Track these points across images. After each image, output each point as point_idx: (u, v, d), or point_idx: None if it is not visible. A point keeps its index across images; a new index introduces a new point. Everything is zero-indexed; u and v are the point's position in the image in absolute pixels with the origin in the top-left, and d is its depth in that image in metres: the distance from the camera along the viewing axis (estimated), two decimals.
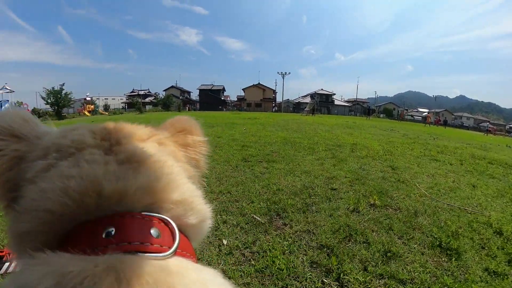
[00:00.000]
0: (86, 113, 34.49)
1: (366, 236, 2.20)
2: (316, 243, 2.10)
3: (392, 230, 2.33)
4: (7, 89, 33.11)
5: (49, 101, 30.79)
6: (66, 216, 0.31)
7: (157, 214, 0.33)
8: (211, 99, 61.80)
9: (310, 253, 1.97)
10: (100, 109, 44.96)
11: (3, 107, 31.43)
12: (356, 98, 75.50)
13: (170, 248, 0.31)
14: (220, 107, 58.20)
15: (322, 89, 65.08)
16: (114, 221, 0.31)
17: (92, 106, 39.15)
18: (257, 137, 7.18)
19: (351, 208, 2.70)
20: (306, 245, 2.06)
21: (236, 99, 73.38)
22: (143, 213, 0.33)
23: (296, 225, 2.32)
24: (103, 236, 0.30)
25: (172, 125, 0.53)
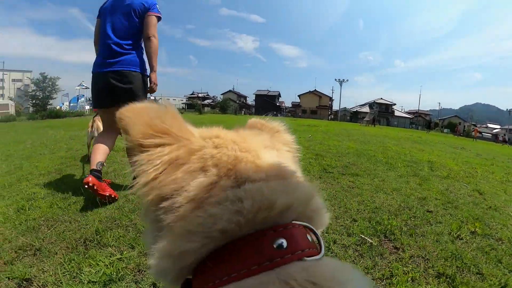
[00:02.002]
0: None
1: (479, 268, 2.05)
2: (434, 270, 2.00)
3: (501, 263, 2.16)
4: (84, 85, 37.61)
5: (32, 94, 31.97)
6: (234, 233, 0.33)
7: (303, 223, 0.36)
8: (266, 104, 62.53)
9: (432, 282, 1.88)
10: None
11: (79, 100, 35.84)
12: (418, 110, 70.14)
13: (320, 250, 0.35)
14: (275, 112, 58.52)
15: (381, 98, 61.89)
16: (282, 233, 0.34)
17: None
18: (327, 146, 7.05)
19: (454, 234, 2.55)
20: (425, 272, 1.97)
21: (290, 105, 73.14)
22: (296, 222, 0.36)
23: (408, 250, 2.23)
24: (274, 247, 0.32)
25: (264, 125, 0.57)
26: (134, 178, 0.41)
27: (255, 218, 0.34)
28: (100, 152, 2.88)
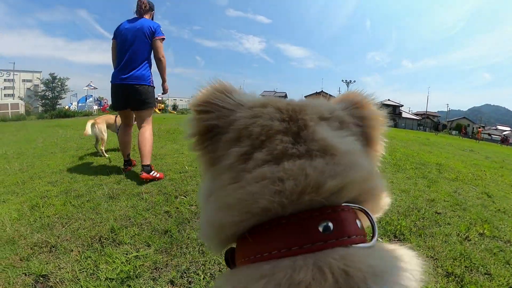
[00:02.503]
0: (157, 110, 37.49)
1: (487, 268, 2.07)
2: (442, 269, 2.01)
3: (510, 264, 2.17)
4: (92, 86, 38.21)
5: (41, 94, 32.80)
6: (278, 211, 0.32)
7: (358, 206, 0.35)
8: None
9: (441, 281, 1.90)
10: (169, 108, 48.49)
11: (87, 100, 36.33)
12: (426, 111, 69.35)
13: (372, 237, 0.33)
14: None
15: (389, 100, 61.40)
16: (330, 216, 0.32)
17: (162, 105, 42.43)
18: None
19: (462, 235, 2.56)
20: (434, 272, 1.99)
21: None
22: (347, 204, 0.34)
23: (418, 250, 2.23)
24: (320, 230, 0.31)
25: (347, 97, 0.52)
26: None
27: (299, 199, 0.32)
28: (128, 147, 4.03)
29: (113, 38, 3.50)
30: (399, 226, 2.58)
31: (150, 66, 3.54)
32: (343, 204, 0.34)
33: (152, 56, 3.55)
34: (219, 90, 0.46)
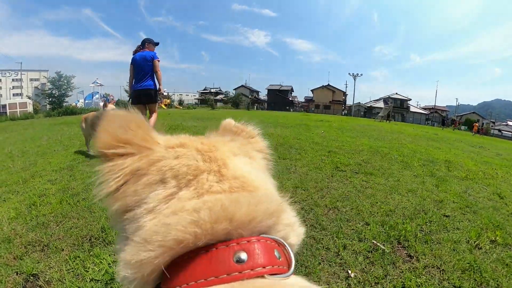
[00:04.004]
0: (163, 106, 37.77)
1: (498, 282, 1.91)
2: (449, 283, 1.86)
3: None
4: (98, 83, 38.60)
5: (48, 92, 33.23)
6: (191, 244, 0.32)
7: (274, 237, 0.35)
8: (279, 99, 62.15)
9: None
10: (175, 103, 48.79)
11: (94, 97, 36.73)
12: (435, 105, 68.11)
13: (289, 268, 0.33)
14: (287, 107, 58.12)
15: (396, 93, 60.45)
16: (244, 246, 0.32)
17: (169, 101, 42.71)
18: (340, 143, 6.92)
19: (472, 243, 2.39)
20: (439, 285, 1.84)
21: (303, 100, 72.45)
22: (262, 235, 0.34)
23: (423, 259, 2.10)
24: (234, 261, 0.31)
25: (239, 129, 0.56)
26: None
27: (213, 229, 0.32)
28: None
29: (131, 64, 5.36)
30: (403, 231, 2.44)
31: (153, 78, 5.42)
32: (260, 236, 0.34)
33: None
34: (136, 125, 0.42)
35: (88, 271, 1.79)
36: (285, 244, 0.35)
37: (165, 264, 0.32)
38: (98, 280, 1.71)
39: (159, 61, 5.35)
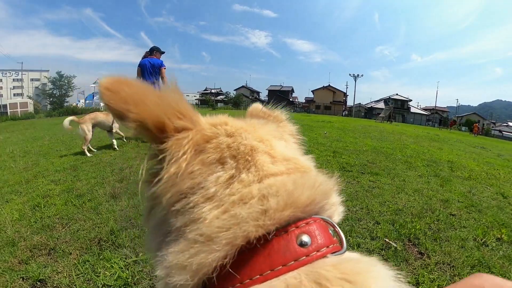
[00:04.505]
0: None
1: (507, 277, 1.91)
2: (460, 278, 1.87)
3: None
4: (98, 83, 38.75)
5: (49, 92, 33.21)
6: (259, 235, 0.30)
7: (324, 217, 0.34)
8: (280, 99, 61.87)
9: None
10: None
11: (94, 97, 36.83)
12: (435, 106, 68.11)
13: (342, 245, 0.33)
14: (288, 108, 57.86)
15: (397, 94, 60.45)
16: (304, 229, 0.31)
17: None
18: (344, 143, 6.90)
19: (479, 240, 2.42)
20: (451, 281, 1.85)
21: (304, 101, 72.48)
22: (318, 216, 0.34)
23: (433, 255, 2.12)
24: (298, 244, 0.30)
25: (268, 114, 0.54)
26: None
27: (280, 216, 0.31)
28: None
29: (139, 66, 5.86)
30: (413, 229, 2.46)
31: (159, 81, 5.84)
32: (314, 216, 0.34)
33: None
34: (182, 99, 0.37)
35: (99, 276, 1.73)
36: (334, 223, 0.35)
37: (230, 258, 0.30)
38: (110, 286, 1.65)
39: (165, 68, 6.06)
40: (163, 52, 6.15)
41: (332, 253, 0.31)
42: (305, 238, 0.31)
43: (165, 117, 0.34)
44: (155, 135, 0.34)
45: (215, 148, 0.35)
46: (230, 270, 0.29)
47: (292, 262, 0.29)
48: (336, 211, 0.39)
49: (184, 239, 0.31)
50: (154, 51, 6.02)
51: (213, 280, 0.30)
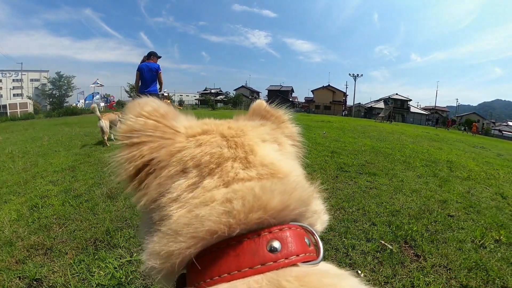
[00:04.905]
0: None
1: (504, 280, 1.91)
2: (456, 282, 1.86)
3: None
4: (98, 83, 38.71)
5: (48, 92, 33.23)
6: (225, 234, 0.31)
7: (302, 224, 0.35)
8: (279, 99, 61.83)
9: None
10: (176, 103, 48.91)
11: (94, 97, 36.83)
12: (435, 106, 68.04)
13: (317, 254, 0.33)
14: (287, 108, 57.75)
15: (397, 94, 60.38)
16: (277, 235, 0.32)
17: (169, 101, 42.76)
18: (342, 143, 6.91)
19: (477, 242, 2.40)
20: (447, 284, 1.84)
21: (304, 101, 72.42)
22: (292, 223, 0.34)
23: (430, 258, 2.10)
24: (267, 250, 0.31)
25: (270, 113, 0.53)
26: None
27: (247, 218, 0.32)
28: None
29: (138, 71, 6.35)
30: (410, 231, 2.44)
31: (156, 84, 6.54)
32: (290, 223, 0.34)
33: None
34: (152, 116, 0.41)
35: (93, 276, 1.75)
36: (314, 231, 0.35)
37: (196, 254, 0.32)
38: (104, 285, 1.67)
39: (161, 72, 6.68)
40: (159, 57, 6.74)
41: (304, 261, 0.31)
42: (276, 244, 0.31)
43: (121, 135, 0.41)
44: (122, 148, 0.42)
45: (178, 161, 0.38)
46: (196, 263, 0.31)
47: (259, 266, 0.30)
48: (318, 219, 0.39)
49: (159, 232, 0.34)
50: (151, 55, 6.60)
51: (189, 269, 0.33)
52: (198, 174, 0.37)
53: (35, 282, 1.72)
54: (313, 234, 0.35)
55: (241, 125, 0.46)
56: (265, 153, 0.41)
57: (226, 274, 0.30)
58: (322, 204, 0.41)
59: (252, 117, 0.54)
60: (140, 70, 6.43)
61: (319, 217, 0.39)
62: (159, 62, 6.70)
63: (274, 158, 0.41)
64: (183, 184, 0.36)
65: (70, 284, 1.67)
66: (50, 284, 1.69)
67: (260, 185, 0.35)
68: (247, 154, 0.40)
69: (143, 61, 6.60)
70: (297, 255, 0.31)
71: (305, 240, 0.33)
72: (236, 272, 0.30)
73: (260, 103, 0.57)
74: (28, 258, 1.95)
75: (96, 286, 1.67)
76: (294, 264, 0.31)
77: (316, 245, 0.34)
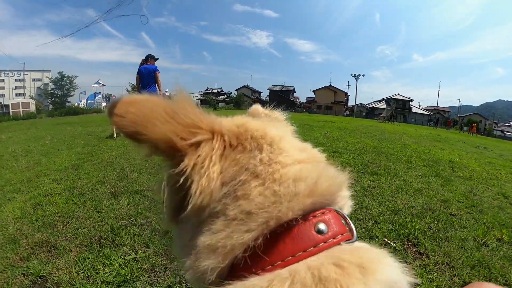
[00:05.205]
0: None
1: (507, 278, 1.92)
2: (459, 279, 1.87)
3: None
4: (100, 83, 38.87)
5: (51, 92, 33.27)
6: (286, 219, 0.32)
7: (336, 208, 0.36)
8: (281, 99, 62.07)
9: None
10: None
11: (96, 97, 36.97)
12: (437, 106, 67.83)
13: (352, 234, 0.35)
14: (289, 108, 57.90)
15: (398, 94, 60.25)
16: (321, 218, 0.34)
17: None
18: (344, 143, 6.89)
19: (479, 240, 2.40)
20: (450, 281, 1.85)
21: (305, 101, 72.36)
22: (330, 207, 0.36)
23: (433, 256, 2.11)
24: (315, 232, 0.32)
25: (268, 115, 0.56)
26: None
27: (305, 202, 0.33)
28: None
29: (137, 74, 6.94)
30: (413, 229, 2.45)
31: (155, 85, 6.99)
32: (328, 207, 0.35)
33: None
34: (193, 107, 0.39)
35: (98, 273, 1.75)
36: (345, 215, 0.37)
37: (254, 240, 0.31)
38: (109, 282, 1.68)
39: (159, 72, 7.13)
40: (157, 59, 7.22)
41: (345, 241, 0.33)
42: (322, 226, 0.33)
43: (177, 136, 0.33)
44: (170, 154, 0.34)
45: (252, 138, 0.38)
46: (259, 252, 0.31)
47: (312, 248, 0.31)
48: (346, 204, 0.41)
49: (222, 219, 0.33)
50: (149, 58, 7.11)
51: (241, 263, 0.31)
52: (272, 150, 0.37)
53: (39, 279, 1.73)
54: (344, 217, 0.36)
55: (263, 121, 0.48)
56: (292, 140, 0.43)
57: (279, 262, 0.30)
58: (349, 190, 0.43)
59: (271, 118, 0.56)
60: (139, 73, 6.97)
61: (346, 202, 0.41)
62: (158, 62, 7.11)
63: (302, 145, 0.43)
64: (264, 158, 0.36)
65: (75, 281, 1.68)
66: (55, 281, 1.69)
67: (316, 169, 0.36)
68: (288, 139, 0.42)
69: (141, 64, 7.07)
70: (342, 234, 0.34)
71: (342, 222, 0.35)
72: (290, 258, 0.30)
73: (257, 107, 0.59)
74: (32, 256, 1.96)
75: (101, 283, 1.67)
76: (339, 244, 0.33)
77: (349, 226, 0.36)
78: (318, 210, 0.34)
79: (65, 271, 1.78)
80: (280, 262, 0.30)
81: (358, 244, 0.34)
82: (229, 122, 0.42)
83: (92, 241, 2.14)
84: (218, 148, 0.35)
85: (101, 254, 1.96)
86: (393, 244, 2.20)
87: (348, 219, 0.36)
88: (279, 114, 0.58)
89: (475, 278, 1.88)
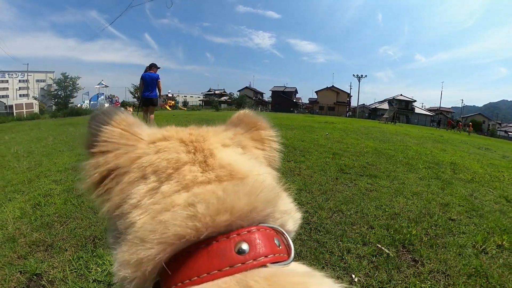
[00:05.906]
0: (168, 107, 38.08)
1: (505, 287, 1.86)
2: None
3: None
4: (103, 84, 39.10)
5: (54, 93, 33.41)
6: (193, 238, 0.32)
7: (272, 225, 0.35)
8: (283, 100, 62.11)
9: None
10: (180, 104, 49.13)
11: (99, 98, 37.12)
12: (440, 107, 67.51)
13: (288, 255, 0.33)
14: (291, 109, 58.00)
15: (401, 95, 60.01)
16: (245, 237, 0.32)
17: (173, 102, 42.99)
18: (344, 145, 6.88)
19: (478, 247, 2.34)
20: None
21: (307, 102, 72.28)
22: (262, 225, 0.34)
23: (428, 263, 2.06)
24: (235, 252, 0.31)
25: (242, 120, 0.55)
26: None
27: (214, 221, 0.32)
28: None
29: (141, 79, 8.08)
30: (408, 234, 2.39)
31: (156, 90, 8.19)
32: (259, 225, 0.34)
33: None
34: (119, 124, 0.43)
35: (91, 272, 1.80)
36: (284, 232, 0.35)
37: (166, 260, 0.32)
38: (100, 281, 1.72)
39: (160, 80, 8.30)
40: (159, 68, 8.35)
41: (274, 262, 0.32)
42: (244, 246, 0.31)
43: (85, 145, 0.42)
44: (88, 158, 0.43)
45: (138, 167, 0.39)
46: (165, 268, 0.32)
47: (227, 268, 0.30)
48: (290, 219, 0.39)
49: (127, 240, 0.34)
50: (152, 67, 8.21)
51: (160, 279, 0.33)
52: (156, 179, 0.38)
53: (35, 277, 1.78)
54: (283, 235, 0.35)
55: (202, 131, 0.48)
56: (224, 155, 0.42)
57: (196, 277, 0.30)
58: (292, 203, 0.41)
59: (228, 126, 0.55)
60: (143, 79, 8.11)
61: (291, 216, 0.39)
62: (160, 64, 8.01)
63: (232, 160, 0.42)
64: (142, 190, 0.37)
65: (68, 279, 1.73)
66: (49, 279, 1.75)
67: (223, 188, 0.35)
68: (206, 158, 0.41)
69: (145, 71, 8.16)
70: (266, 256, 0.32)
71: (275, 241, 0.34)
72: (205, 275, 0.30)
73: (238, 113, 0.58)
74: (29, 254, 2.02)
75: (92, 282, 1.72)
76: (263, 265, 0.31)
77: (288, 246, 0.34)
78: (244, 228, 0.33)
79: (60, 270, 1.83)
80: (196, 278, 0.30)
81: (292, 266, 0.33)
82: (152, 136, 0.44)
83: (86, 241, 2.18)
84: (110, 162, 0.40)
85: (94, 254, 2.01)
86: (387, 251, 2.16)
87: (287, 236, 0.35)
88: (254, 119, 0.55)
89: (471, 287, 1.83)
